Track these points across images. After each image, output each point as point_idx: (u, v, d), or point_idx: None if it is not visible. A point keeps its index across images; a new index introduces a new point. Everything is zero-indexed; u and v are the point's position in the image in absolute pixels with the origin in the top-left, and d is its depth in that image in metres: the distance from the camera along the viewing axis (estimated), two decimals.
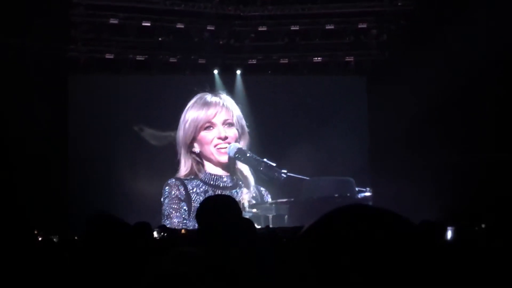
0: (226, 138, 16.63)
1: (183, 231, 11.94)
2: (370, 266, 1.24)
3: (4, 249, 4.17)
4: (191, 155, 16.73)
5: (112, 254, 2.94)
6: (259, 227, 14.21)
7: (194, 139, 16.63)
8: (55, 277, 3.68)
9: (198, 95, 16.88)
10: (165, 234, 8.53)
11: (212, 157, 16.70)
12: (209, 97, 16.86)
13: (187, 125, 16.67)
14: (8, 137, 15.24)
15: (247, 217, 16.19)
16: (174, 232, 10.05)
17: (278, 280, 1.35)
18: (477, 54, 15.29)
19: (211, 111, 16.65)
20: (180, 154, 16.77)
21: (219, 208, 3.26)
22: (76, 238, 8.82)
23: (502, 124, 15.85)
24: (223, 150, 16.67)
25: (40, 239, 8.90)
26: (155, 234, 10.40)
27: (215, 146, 16.62)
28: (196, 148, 16.68)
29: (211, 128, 16.62)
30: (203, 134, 16.59)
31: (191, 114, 16.72)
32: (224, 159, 16.75)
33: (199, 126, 16.58)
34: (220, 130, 16.60)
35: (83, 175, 16.78)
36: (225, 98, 16.97)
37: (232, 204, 3.30)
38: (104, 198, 15.81)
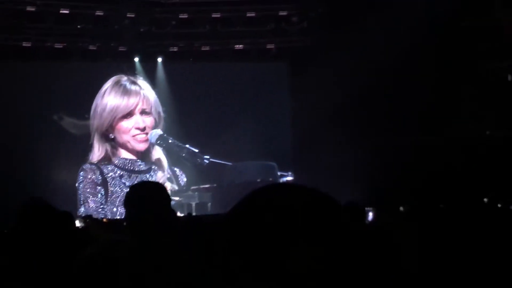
0: (144, 128, 16.36)
1: (104, 220, 11.83)
2: (290, 244, 1.24)
3: None
4: (106, 141, 16.40)
5: (47, 240, 2.89)
6: (182, 215, 14.17)
7: (111, 127, 16.30)
8: None
9: (114, 79, 16.29)
10: (88, 221, 8.43)
11: (128, 144, 16.37)
12: (128, 84, 16.38)
13: (105, 113, 16.17)
14: None
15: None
16: (96, 221, 9.94)
17: (204, 266, 1.35)
18: (399, 38, 15.56)
19: (132, 101, 16.25)
20: (94, 139, 16.41)
21: (147, 196, 3.23)
22: None
23: (427, 107, 16.20)
24: (139, 138, 16.38)
25: None
26: (78, 223, 10.27)
27: (132, 135, 16.35)
28: (112, 135, 16.36)
29: (129, 117, 16.31)
30: (122, 123, 16.25)
31: (110, 101, 16.18)
32: (140, 147, 16.46)
33: (118, 116, 16.22)
34: (138, 120, 16.23)
35: (1, 165, 16.42)
36: (142, 85, 16.57)
37: (161, 192, 3.28)
38: (22, 188, 15.48)
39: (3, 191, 15.26)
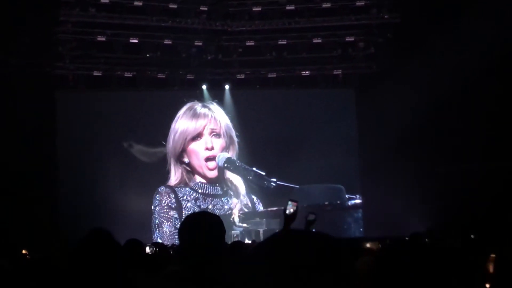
0: (212, 148, 16.65)
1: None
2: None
3: None
4: (181, 165, 16.76)
5: (99, 271, 2.92)
6: (249, 241, 14.17)
7: (183, 150, 16.65)
8: None
9: (188, 105, 16.86)
10: (157, 250, 8.51)
11: (200, 170, 16.74)
12: (198, 108, 16.83)
13: (176, 136, 16.69)
14: None
15: (238, 232, 16.14)
16: (164, 248, 10.00)
17: None
18: (463, 65, 15.38)
19: (199, 123, 16.67)
20: (170, 164, 16.78)
21: (200, 228, 3.23)
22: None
23: (490, 134, 15.92)
24: (211, 165, 16.67)
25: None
26: (147, 249, 10.37)
27: (204, 158, 16.63)
28: (186, 159, 16.70)
29: (199, 138, 16.65)
30: (192, 146, 16.62)
31: (181, 125, 16.72)
32: (211, 174, 16.77)
33: (188, 138, 16.60)
34: (207, 140, 16.63)
35: (73, 192, 16.73)
36: (214, 109, 16.97)
37: (214, 223, 3.26)
38: (95, 215, 15.75)
39: (75, 216, 15.50)
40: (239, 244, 6.85)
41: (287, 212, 6.66)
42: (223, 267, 3.01)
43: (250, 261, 1.42)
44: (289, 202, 6.72)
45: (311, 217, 6.83)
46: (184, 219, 3.29)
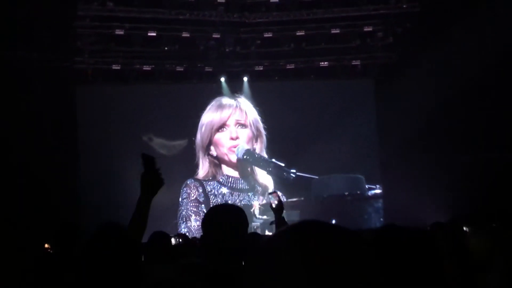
0: (237, 138, 16.76)
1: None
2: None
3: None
4: (209, 157, 16.89)
5: (107, 264, 2.89)
6: (270, 233, 14.18)
7: (210, 142, 16.80)
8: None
9: (216, 99, 17.03)
10: (181, 240, 8.51)
11: (225, 158, 16.87)
12: (224, 99, 17.04)
13: (203, 128, 16.87)
14: (16, 150, 15.27)
15: (258, 224, 16.16)
16: (188, 240, 10.02)
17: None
18: (485, 53, 15.29)
19: (224, 113, 16.82)
20: (198, 157, 16.91)
21: (224, 220, 3.22)
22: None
23: None
24: (233, 149, 16.80)
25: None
26: (173, 241, 10.38)
27: (228, 148, 16.76)
28: (213, 151, 16.85)
29: (225, 129, 16.79)
30: (218, 136, 16.76)
31: (207, 117, 16.92)
32: (234, 158, 16.85)
33: (214, 128, 16.76)
34: (232, 130, 16.75)
35: (93, 186, 16.79)
36: (240, 101, 17.13)
37: (238, 216, 3.26)
38: (115, 210, 15.78)
39: (94, 211, 15.56)
40: (254, 236, 6.83)
41: (273, 205, 6.70)
42: (244, 259, 3.01)
43: (269, 254, 1.40)
44: (269, 196, 6.77)
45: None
46: (208, 211, 3.29)
